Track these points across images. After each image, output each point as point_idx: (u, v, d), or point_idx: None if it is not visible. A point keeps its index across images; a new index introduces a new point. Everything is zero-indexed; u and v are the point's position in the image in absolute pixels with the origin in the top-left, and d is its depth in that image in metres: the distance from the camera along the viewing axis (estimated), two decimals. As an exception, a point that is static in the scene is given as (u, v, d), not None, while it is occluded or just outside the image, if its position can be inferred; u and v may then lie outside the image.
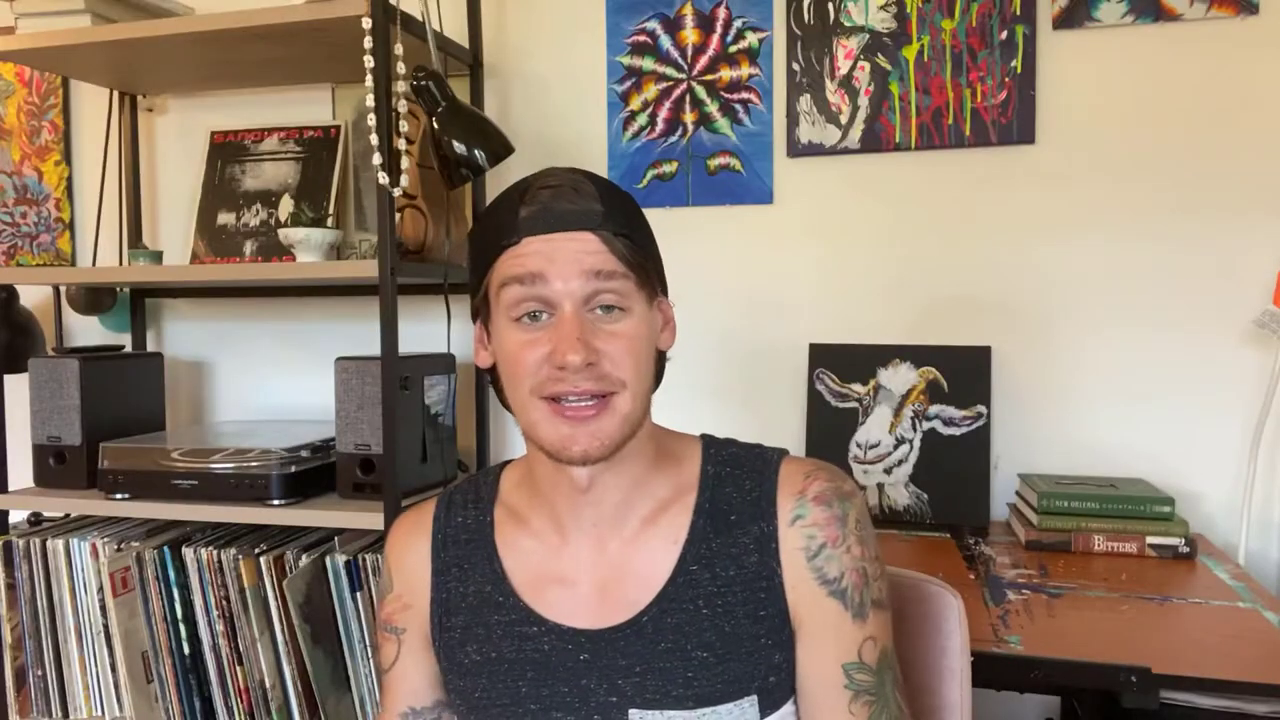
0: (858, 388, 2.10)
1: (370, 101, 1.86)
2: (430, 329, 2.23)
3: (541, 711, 1.07)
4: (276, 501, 1.99)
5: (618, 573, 1.09)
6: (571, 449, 1.01)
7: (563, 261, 1.00)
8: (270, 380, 2.57)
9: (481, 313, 1.09)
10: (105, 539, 2.11)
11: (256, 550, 2.01)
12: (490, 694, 1.09)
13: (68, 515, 2.27)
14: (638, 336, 1.03)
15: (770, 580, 1.05)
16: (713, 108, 2.23)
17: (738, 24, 2.21)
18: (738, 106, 2.22)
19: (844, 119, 2.16)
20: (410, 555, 1.18)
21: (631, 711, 1.04)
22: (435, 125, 1.96)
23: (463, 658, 1.12)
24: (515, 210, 1.03)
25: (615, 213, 1.03)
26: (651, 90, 2.27)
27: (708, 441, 1.15)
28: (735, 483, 1.10)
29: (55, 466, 2.18)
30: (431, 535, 1.18)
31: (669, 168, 2.25)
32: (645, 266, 1.04)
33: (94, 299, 2.54)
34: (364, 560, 1.98)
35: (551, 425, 1.02)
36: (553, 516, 1.12)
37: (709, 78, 2.23)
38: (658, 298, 1.09)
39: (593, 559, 1.10)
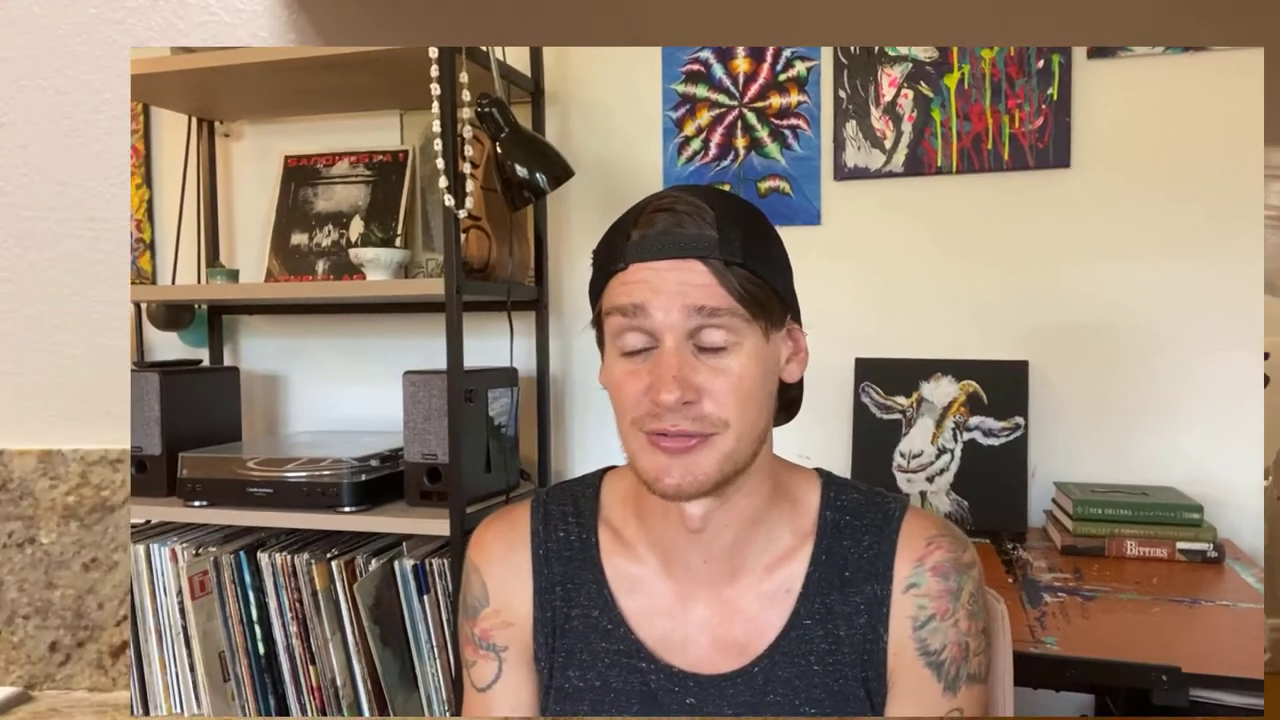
0: (901, 400, 2.14)
1: (436, 127, 1.89)
2: (494, 344, 2.21)
3: None
4: (347, 508, 2.01)
5: (729, 616, 1.05)
6: (665, 481, 0.95)
7: (666, 293, 0.94)
8: (341, 393, 2.60)
9: (596, 334, 1.04)
10: (184, 544, 2.14)
11: (328, 555, 2.05)
12: None
13: (148, 521, 2.30)
14: (745, 375, 0.96)
15: (875, 644, 1.02)
16: (763, 133, 2.27)
17: (787, 53, 2.24)
18: (787, 132, 2.25)
19: (888, 144, 2.19)
20: (508, 570, 1.12)
21: None
22: (499, 150, 1.98)
23: (564, 682, 1.08)
24: (628, 233, 0.97)
25: (732, 240, 0.95)
26: (705, 116, 2.30)
27: (827, 481, 1.10)
28: (853, 535, 1.05)
29: (136, 475, 2.19)
30: (531, 550, 1.11)
31: (721, 191, 2.30)
32: (762, 299, 0.96)
33: (173, 315, 2.58)
34: (431, 565, 2.00)
35: (649, 456, 0.97)
36: (660, 547, 1.07)
37: (759, 105, 2.27)
38: (784, 328, 1.02)
39: (704, 598, 1.06)
